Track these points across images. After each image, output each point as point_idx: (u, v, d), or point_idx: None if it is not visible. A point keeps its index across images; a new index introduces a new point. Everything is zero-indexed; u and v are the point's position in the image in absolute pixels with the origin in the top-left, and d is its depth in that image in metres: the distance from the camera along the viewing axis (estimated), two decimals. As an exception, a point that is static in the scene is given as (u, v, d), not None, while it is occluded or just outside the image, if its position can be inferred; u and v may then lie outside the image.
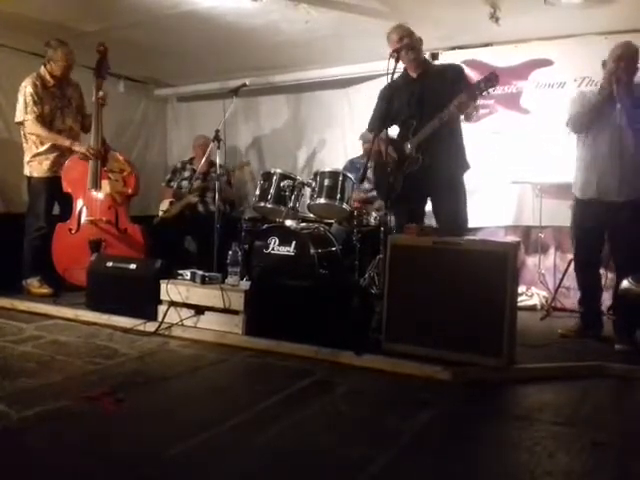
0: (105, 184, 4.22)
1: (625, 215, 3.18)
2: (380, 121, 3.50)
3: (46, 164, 4.16)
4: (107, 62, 4.25)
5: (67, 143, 4.14)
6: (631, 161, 3.17)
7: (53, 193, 4.21)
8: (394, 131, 3.60)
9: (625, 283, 2.93)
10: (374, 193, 4.38)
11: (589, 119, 3.27)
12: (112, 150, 4.37)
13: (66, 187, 4.19)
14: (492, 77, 3.12)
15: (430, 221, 3.62)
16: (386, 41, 3.41)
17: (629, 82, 3.18)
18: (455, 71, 3.47)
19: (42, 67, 4.16)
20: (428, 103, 3.32)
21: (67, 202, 4.25)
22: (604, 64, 3.27)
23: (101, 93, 4.20)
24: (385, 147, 3.28)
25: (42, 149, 4.15)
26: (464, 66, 4.59)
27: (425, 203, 3.55)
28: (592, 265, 3.43)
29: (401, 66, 3.41)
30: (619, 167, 3.19)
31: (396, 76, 3.47)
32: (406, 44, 3.31)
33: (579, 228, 3.42)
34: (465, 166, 3.49)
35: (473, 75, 4.63)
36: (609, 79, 3.19)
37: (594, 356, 2.98)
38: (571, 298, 4.08)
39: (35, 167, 4.18)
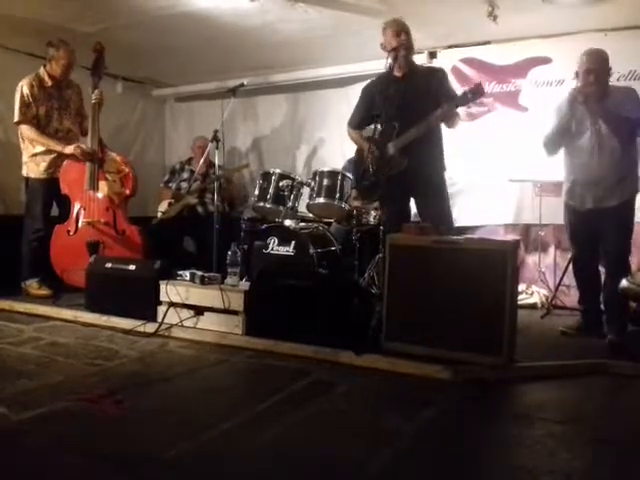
0: (103, 185, 4.21)
1: (616, 217, 3.21)
2: (360, 118, 3.56)
3: (43, 165, 4.16)
4: (104, 61, 4.24)
5: (58, 148, 4.13)
6: (619, 165, 3.19)
7: (51, 195, 4.21)
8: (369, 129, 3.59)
9: (624, 282, 2.93)
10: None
11: (559, 142, 3.33)
12: (109, 151, 4.37)
13: (64, 189, 4.18)
14: (478, 89, 3.10)
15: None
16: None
17: (602, 88, 3.17)
18: (438, 77, 3.45)
19: (42, 68, 4.16)
20: (410, 106, 3.29)
21: (66, 204, 4.25)
22: (577, 75, 3.25)
23: (97, 92, 4.19)
24: (368, 145, 3.32)
25: (39, 150, 4.15)
26: (462, 65, 4.63)
27: (409, 203, 3.57)
28: (590, 264, 3.44)
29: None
30: (605, 174, 3.20)
31: (381, 72, 3.50)
32: (404, 42, 3.29)
33: (574, 234, 3.45)
34: (444, 167, 3.49)
35: (471, 74, 4.65)
36: (577, 95, 3.18)
37: (595, 354, 2.98)
38: (571, 296, 4.08)
39: (32, 168, 4.18)
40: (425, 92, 3.29)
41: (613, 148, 3.18)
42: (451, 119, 3.30)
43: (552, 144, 3.38)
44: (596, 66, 3.15)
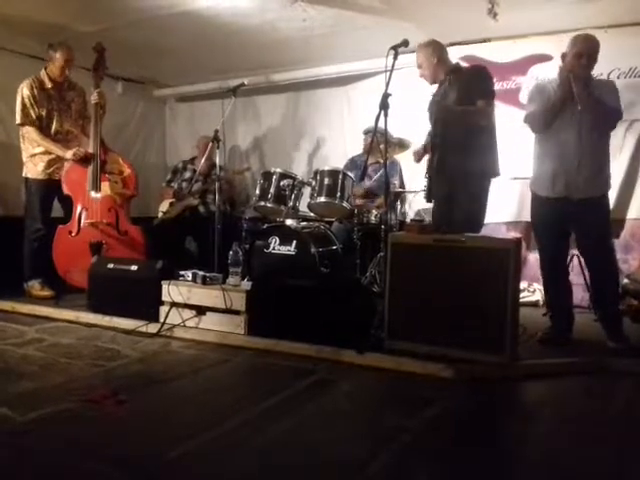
0: (105, 186, 4.21)
1: (591, 212, 3.07)
2: None
3: (41, 166, 4.16)
4: (105, 61, 4.25)
5: (60, 153, 4.14)
6: (596, 156, 3.08)
7: (50, 195, 4.22)
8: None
9: (624, 280, 2.91)
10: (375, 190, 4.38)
11: (550, 119, 3.10)
12: (111, 152, 4.37)
13: (66, 190, 4.18)
14: None
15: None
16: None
17: (587, 76, 3.07)
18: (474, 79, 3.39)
19: (42, 70, 4.18)
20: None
21: (69, 204, 4.24)
22: (563, 57, 3.10)
23: (96, 93, 4.19)
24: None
25: (37, 150, 4.16)
26: (463, 63, 4.61)
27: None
28: (561, 261, 3.29)
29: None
30: (585, 164, 3.06)
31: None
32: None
33: (545, 227, 3.24)
34: (489, 169, 3.37)
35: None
36: (567, 77, 3.04)
37: (597, 352, 2.98)
38: (573, 294, 4.05)
39: (30, 168, 4.19)
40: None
41: (593, 138, 3.05)
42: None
43: (540, 122, 3.16)
44: (590, 51, 3.03)
